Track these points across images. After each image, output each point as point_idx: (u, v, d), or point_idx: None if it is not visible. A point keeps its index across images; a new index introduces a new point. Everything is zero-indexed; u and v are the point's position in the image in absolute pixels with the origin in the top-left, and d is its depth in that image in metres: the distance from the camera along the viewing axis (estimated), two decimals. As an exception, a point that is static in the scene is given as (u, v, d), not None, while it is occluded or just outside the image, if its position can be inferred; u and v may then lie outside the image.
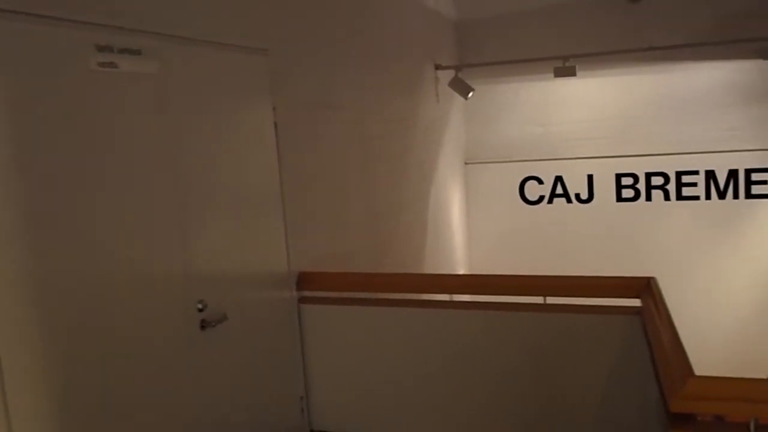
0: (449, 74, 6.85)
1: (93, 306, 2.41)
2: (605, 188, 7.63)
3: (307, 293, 3.78)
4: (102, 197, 2.46)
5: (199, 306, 2.91)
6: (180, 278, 2.85)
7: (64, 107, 2.31)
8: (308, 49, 4.01)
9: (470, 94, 6.91)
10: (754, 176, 7.20)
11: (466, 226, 7.94)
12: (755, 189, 7.20)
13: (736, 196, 7.27)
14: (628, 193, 7.58)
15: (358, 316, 3.77)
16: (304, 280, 3.75)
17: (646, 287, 3.27)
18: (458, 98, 7.14)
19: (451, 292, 3.88)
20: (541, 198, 7.84)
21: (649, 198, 7.52)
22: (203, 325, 2.92)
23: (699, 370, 2.27)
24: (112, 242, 2.50)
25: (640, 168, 7.50)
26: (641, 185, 7.53)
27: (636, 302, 3.27)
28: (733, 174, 7.26)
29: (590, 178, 7.67)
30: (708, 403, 2.15)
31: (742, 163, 7.22)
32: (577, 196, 7.73)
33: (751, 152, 7.17)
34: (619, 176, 7.58)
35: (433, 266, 6.29)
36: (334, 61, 4.41)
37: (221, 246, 3.10)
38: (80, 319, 2.36)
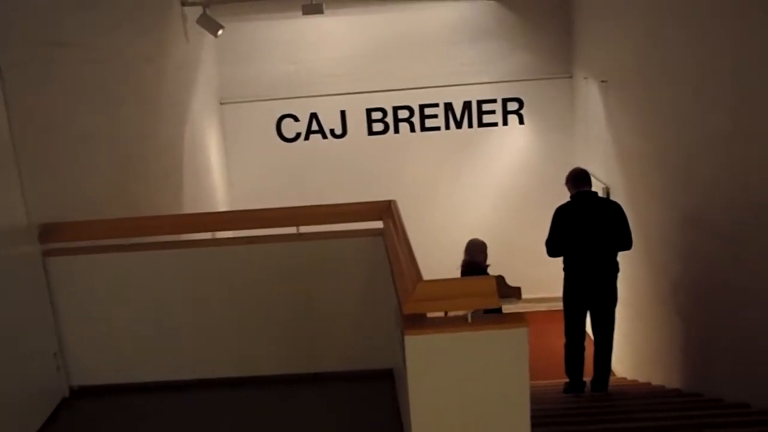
0: (197, 11, 6.64)
1: None
2: (357, 123, 8.06)
3: (53, 245, 3.57)
4: None
5: None
6: None
7: None
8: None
9: (220, 32, 6.78)
10: (485, 107, 8.08)
11: (225, 166, 7.91)
12: (486, 118, 8.10)
13: (470, 125, 8.12)
14: (378, 126, 8.08)
15: (113, 264, 3.65)
16: (49, 232, 3.53)
17: (386, 209, 3.60)
18: (209, 37, 6.97)
19: (206, 230, 3.91)
20: (298, 135, 8.05)
21: (397, 131, 8.10)
22: (-72, 288, 2.67)
23: (438, 275, 2.46)
24: None
25: (388, 102, 8.02)
26: (390, 119, 8.07)
27: (379, 224, 3.60)
28: (467, 105, 8.07)
29: (343, 113, 8.03)
30: (434, 302, 2.44)
31: (474, 95, 8.05)
32: (332, 131, 8.07)
33: (481, 85, 8.01)
34: (369, 111, 8.04)
35: (193, 208, 6.22)
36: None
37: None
38: None
